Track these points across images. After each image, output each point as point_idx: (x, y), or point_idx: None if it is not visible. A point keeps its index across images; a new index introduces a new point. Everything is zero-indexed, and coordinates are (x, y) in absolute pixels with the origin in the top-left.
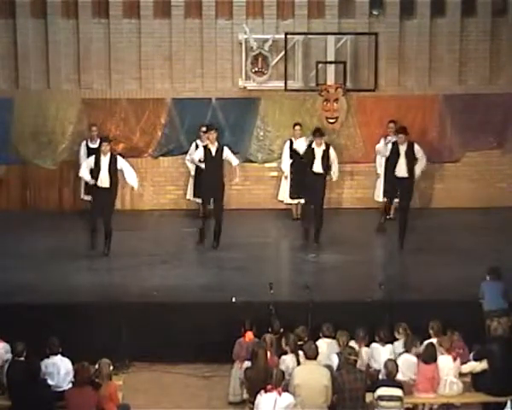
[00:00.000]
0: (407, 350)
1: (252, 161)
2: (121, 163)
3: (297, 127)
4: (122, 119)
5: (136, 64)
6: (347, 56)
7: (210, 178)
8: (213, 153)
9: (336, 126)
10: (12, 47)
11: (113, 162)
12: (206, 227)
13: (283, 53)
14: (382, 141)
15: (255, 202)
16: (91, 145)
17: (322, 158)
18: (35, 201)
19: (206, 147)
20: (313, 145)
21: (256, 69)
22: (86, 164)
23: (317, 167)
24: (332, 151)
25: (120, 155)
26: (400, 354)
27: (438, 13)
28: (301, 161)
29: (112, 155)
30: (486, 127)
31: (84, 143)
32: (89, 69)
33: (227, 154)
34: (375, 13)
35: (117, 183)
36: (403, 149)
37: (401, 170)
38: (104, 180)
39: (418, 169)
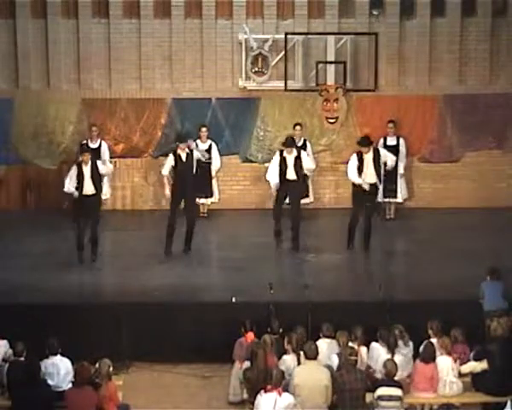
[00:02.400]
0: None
1: (252, 161)
2: (100, 167)
3: (297, 127)
4: (122, 119)
5: (136, 64)
6: (347, 56)
7: (181, 184)
8: (184, 159)
9: (336, 126)
10: (12, 47)
11: (94, 169)
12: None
13: (283, 53)
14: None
15: (255, 202)
16: (91, 145)
17: (295, 165)
18: (35, 201)
19: (175, 154)
20: (284, 154)
21: (256, 69)
22: (69, 179)
23: (291, 175)
24: (304, 156)
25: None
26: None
27: (438, 13)
28: None
29: (92, 162)
30: (486, 127)
31: (84, 143)
32: (89, 69)
33: (196, 156)
34: (375, 13)
35: (101, 188)
36: (369, 157)
37: (369, 177)
38: (88, 188)
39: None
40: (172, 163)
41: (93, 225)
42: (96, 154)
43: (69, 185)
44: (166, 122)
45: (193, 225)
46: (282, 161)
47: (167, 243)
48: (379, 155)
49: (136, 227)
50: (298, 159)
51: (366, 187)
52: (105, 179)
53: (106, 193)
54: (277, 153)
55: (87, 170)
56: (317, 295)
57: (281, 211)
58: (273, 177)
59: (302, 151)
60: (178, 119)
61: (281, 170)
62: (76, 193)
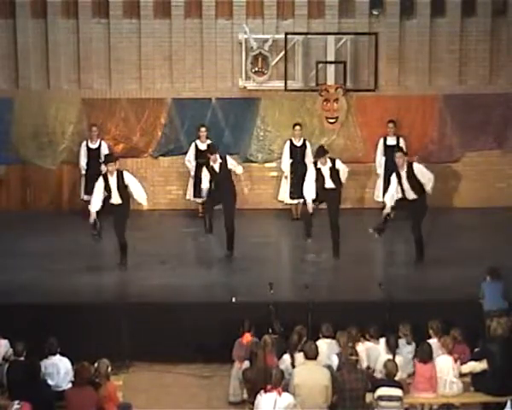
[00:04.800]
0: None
1: (252, 161)
2: (128, 179)
3: (297, 127)
4: (122, 119)
5: (136, 64)
6: (347, 56)
7: (220, 194)
8: (217, 169)
9: (336, 126)
10: (12, 47)
11: (120, 179)
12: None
13: (283, 53)
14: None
15: (255, 202)
16: (91, 146)
17: (331, 175)
18: (35, 201)
19: (209, 166)
20: (319, 165)
21: (256, 69)
22: (97, 193)
23: (329, 184)
24: (339, 163)
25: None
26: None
27: (438, 13)
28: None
29: (118, 171)
30: (486, 127)
31: (84, 143)
32: (89, 69)
33: (231, 164)
34: (375, 13)
35: (128, 198)
36: (403, 174)
37: (409, 194)
38: (116, 198)
39: (428, 187)
40: (208, 176)
41: (120, 232)
42: (97, 154)
43: (95, 202)
44: (166, 122)
45: (233, 231)
46: (319, 173)
47: (206, 220)
48: (413, 171)
49: (137, 227)
50: (333, 168)
51: (387, 211)
52: (139, 187)
53: (143, 200)
54: (311, 166)
55: (113, 180)
56: (317, 295)
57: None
58: (310, 192)
59: (337, 160)
60: (178, 119)
61: (319, 182)
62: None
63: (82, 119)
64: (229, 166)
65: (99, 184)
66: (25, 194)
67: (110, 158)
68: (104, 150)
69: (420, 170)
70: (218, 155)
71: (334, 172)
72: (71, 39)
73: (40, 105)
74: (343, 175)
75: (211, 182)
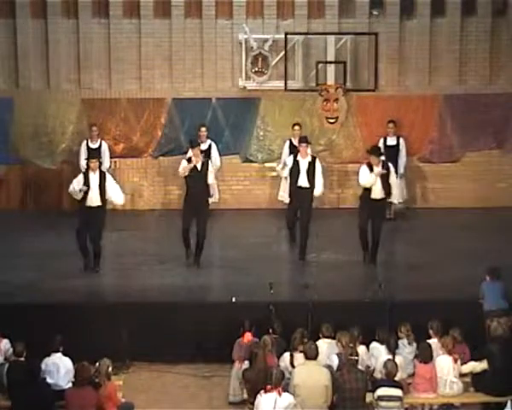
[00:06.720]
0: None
1: (252, 161)
2: (109, 179)
3: (296, 127)
4: (122, 119)
5: (136, 64)
6: (347, 56)
7: (195, 193)
8: (199, 168)
9: (336, 126)
10: (12, 47)
11: (102, 179)
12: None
13: (283, 53)
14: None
15: (255, 202)
16: (92, 145)
17: (308, 171)
18: (35, 201)
19: (190, 161)
20: (298, 157)
21: (256, 69)
22: (76, 183)
23: (302, 181)
24: (318, 164)
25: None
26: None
27: (438, 13)
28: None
29: (100, 171)
30: (486, 127)
31: (84, 143)
32: (89, 69)
33: (209, 170)
34: (375, 13)
35: (106, 200)
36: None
37: (376, 193)
38: (95, 199)
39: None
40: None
41: (97, 237)
42: (97, 154)
43: (75, 185)
44: (166, 122)
45: (203, 239)
46: (295, 165)
47: (185, 247)
48: (388, 170)
49: (136, 227)
50: (312, 164)
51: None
52: (115, 187)
53: (120, 199)
54: (291, 157)
55: (95, 179)
56: (317, 295)
57: (295, 218)
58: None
59: (317, 159)
60: (178, 119)
61: (293, 176)
62: (84, 188)
63: (82, 119)
64: (210, 168)
65: (79, 178)
66: (25, 194)
67: (93, 154)
68: (104, 150)
69: (392, 173)
70: (200, 154)
71: (312, 170)
72: (71, 39)
73: (40, 105)
74: (317, 180)
75: (188, 177)
